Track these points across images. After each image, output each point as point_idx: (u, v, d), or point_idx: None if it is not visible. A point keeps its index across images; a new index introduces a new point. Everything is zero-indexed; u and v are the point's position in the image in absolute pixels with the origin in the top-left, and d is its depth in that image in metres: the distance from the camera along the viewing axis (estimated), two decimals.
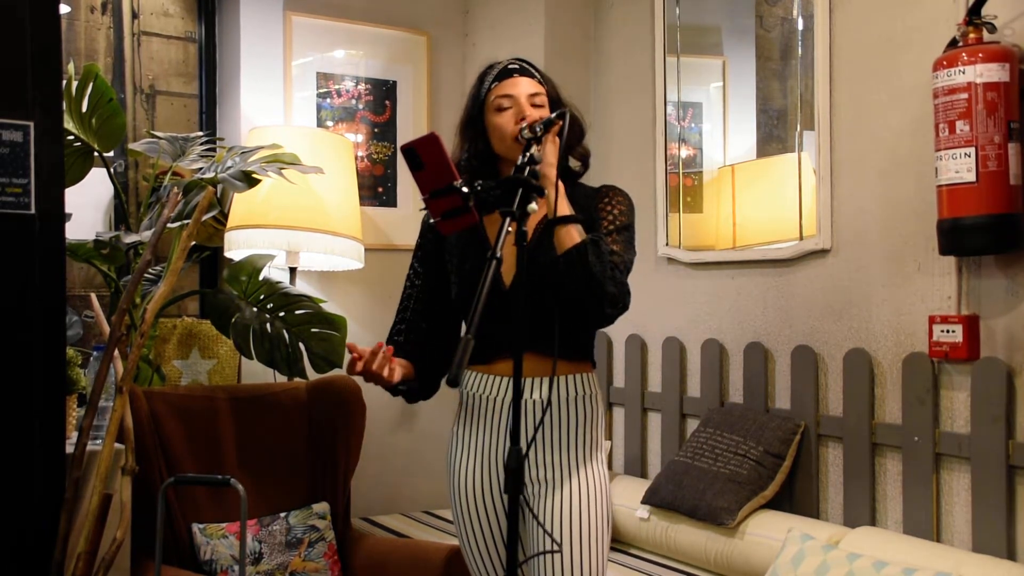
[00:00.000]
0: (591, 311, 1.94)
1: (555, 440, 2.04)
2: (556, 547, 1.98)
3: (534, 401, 2.03)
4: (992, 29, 2.43)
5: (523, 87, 2.06)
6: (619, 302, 1.95)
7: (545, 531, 2.02)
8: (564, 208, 1.95)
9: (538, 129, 1.96)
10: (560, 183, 1.95)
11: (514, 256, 1.83)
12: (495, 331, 1.91)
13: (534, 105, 2.05)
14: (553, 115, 1.98)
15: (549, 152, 1.95)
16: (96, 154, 3.05)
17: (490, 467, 2.07)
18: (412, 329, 2.17)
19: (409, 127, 4.04)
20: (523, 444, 2.02)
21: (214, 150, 3.15)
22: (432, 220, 1.86)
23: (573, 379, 2.06)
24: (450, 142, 2.01)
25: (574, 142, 2.10)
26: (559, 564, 1.98)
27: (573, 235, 1.92)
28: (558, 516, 2.00)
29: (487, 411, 2.08)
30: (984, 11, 2.43)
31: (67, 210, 2.43)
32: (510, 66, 2.09)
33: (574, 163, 2.12)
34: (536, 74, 2.10)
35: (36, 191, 2.32)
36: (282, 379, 3.36)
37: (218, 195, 3.46)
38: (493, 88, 2.07)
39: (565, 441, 2.04)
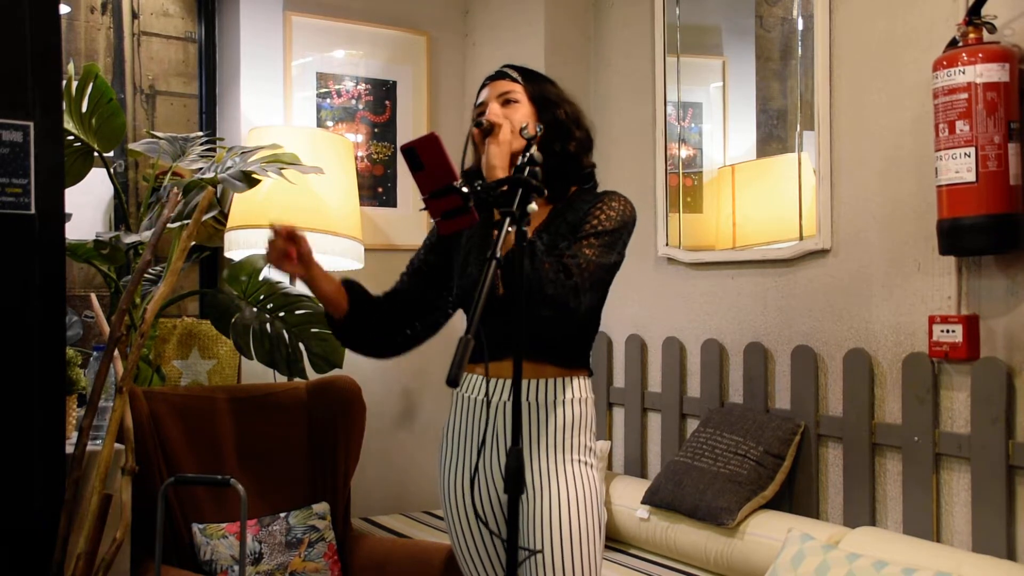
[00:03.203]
0: (529, 314, 1.84)
1: (540, 442, 2.01)
2: (530, 552, 1.97)
3: (506, 403, 2.01)
4: (992, 29, 2.43)
5: (493, 90, 2.08)
6: (559, 305, 1.86)
7: (499, 536, 2.01)
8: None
9: (538, 128, 1.97)
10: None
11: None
12: (487, 333, 1.89)
13: (506, 102, 2.06)
14: (539, 126, 1.99)
15: (490, 154, 1.98)
16: (96, 154, 3.05)
17: (466, 469, 2.07)
18: (390, 293, 2.26)
19: (409, 127, 4.04)
20: (492, 448, 2.02)
21: (214, 150, 3.15)
22: (432, 220, 1.86)
23: (560, 381, 2.02)
24: (453, 144, 2.01)
25: (555, 137, 2.07)
26: (545, 568, 1.96)
27: (509, 239, 1.83)
28: (544, 519, 1.97)
29: (476, 411, 2.07)
30: (984, 11, 2.43)
31: (67, 210, 2.43)
32: (488, 76, 2.14)
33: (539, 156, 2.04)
34: (512, 73, 2.10)
35: (36, 191, 2.32)
36: (282, 379, 3.36)
37: (218, 195, 3.46)
38: (476, 101, 2.13)
39: (551, 444, 2.01)
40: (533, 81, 2.11)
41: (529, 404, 2.01)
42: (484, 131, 2.02)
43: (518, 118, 2.03)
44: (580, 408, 2.04)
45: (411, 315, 2.24)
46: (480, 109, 2.09)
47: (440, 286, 2.22)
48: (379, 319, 2.21)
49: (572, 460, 2.02)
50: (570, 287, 1.87)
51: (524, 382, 1.99)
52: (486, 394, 2.03)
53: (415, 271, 2.24)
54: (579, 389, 2.04)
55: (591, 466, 2.05)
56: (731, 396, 3.25)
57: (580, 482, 2.01)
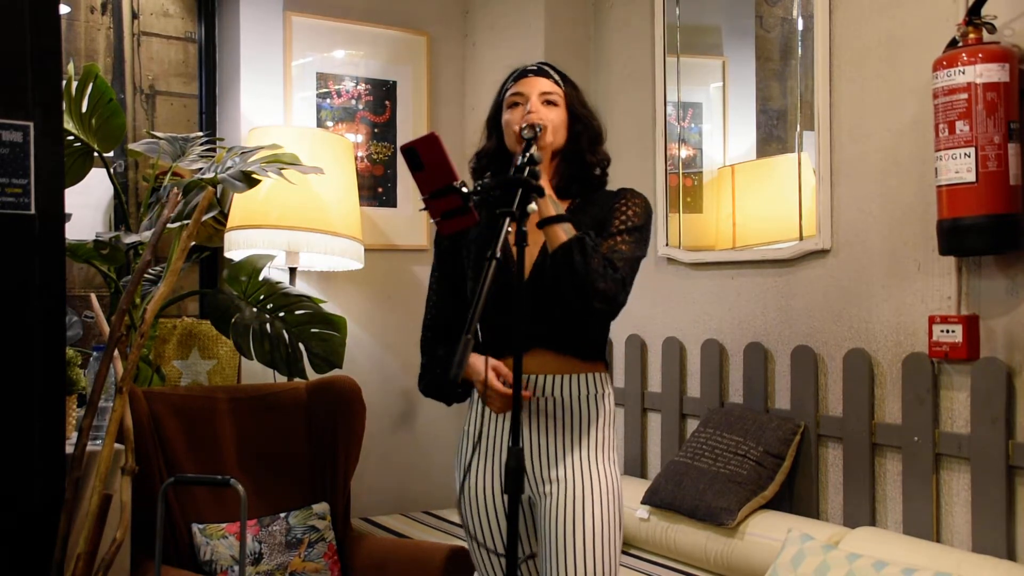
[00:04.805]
0: (581, 307, 1.95)
1: (567, 439, 2.05)
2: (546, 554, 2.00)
3: (545, 399, 2.04)
4: (992, 29, 2.43)
5: (536, 86, 2.11)
6: (611, 298, 1.95)
7: (535, 535, 2.03)
8: (550, 209, 1.97)
9: (537, 129, 1.98)
10: (548, 184, 1.99)
11: (535, 249, 1.98)
12: (504, 326, 1.91)
13: (547, 103, 2.10)
14: (537, 126, 2.01)
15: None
16: (96, 154, 3.05)
17: (498, 465, 2.08)
18: (441, 328, 2.19)
19: (409, 127, 4.04)
20: (524, 443, 2.04)
21: (214, 150, 3.15)
22: (432, 220, 1.86)
23: (586, 377, 2.08)
24: (453, 145, 2.03)
25: (586, 148, 2.14)
26: (569, 564, 1.98)
27: (559, 234, 1.94)
28: (568, 516, 2.01)
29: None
30: (984, 11, 2.43)
31: (67, 210, 2.43)
32: (529, 67, 2.17)
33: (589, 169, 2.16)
34: (555, 75, 2.15)
35: (36, 191, 2.32)
36: (282, 379, 3.36)
37: (218, 195, 3.47)
38: (509, 87, 2.15)
39: (577, 440, 2.06)
40: (571, 87, 2.17)
41: (557, 399, 2.05)
42: (527, 138, 1.98)
43: (557, 121, 2.09)
44: (606, 404, 2.11)
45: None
46: (518, 99, 2.11)
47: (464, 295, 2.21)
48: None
49: (598, 456, 2.07)
50: (619, 280, 1.97)
51: (550, 378, 2.05)
52: (515, 392, 2.00)
53: (453, 288, 2.19)
54: (603, 384, 2.11)
55: (613, 462, 2.11)
56: (731, 396, 3.25)
57: (605, 478, 2.06)
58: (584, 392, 2.07)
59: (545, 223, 1.95)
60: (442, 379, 2.14)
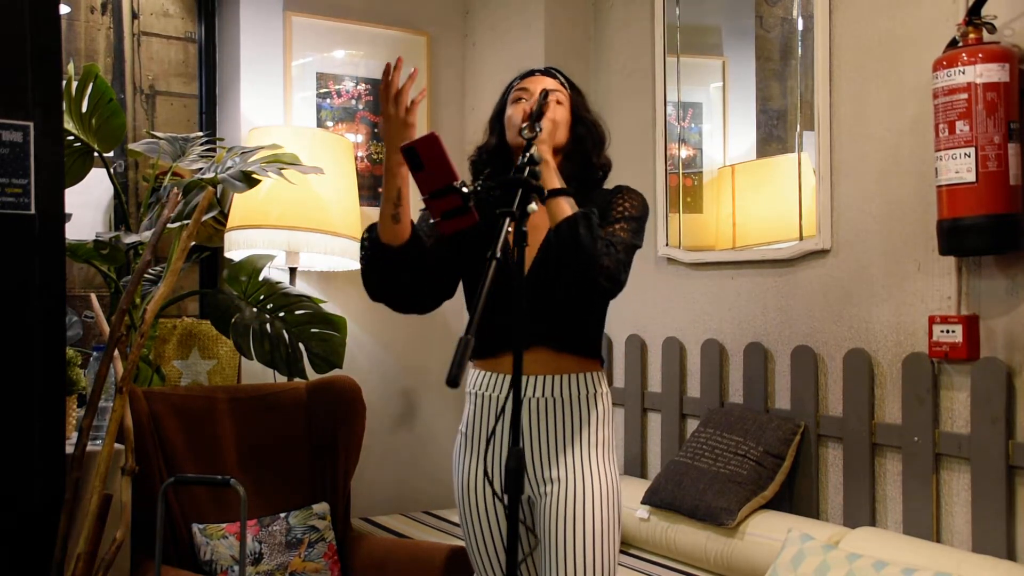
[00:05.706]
0: (585, 283, 1.91)
1: (564, 439, 2.05)
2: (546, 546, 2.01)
3: (538, 399, 2.04)
4: (992, 29, 2.43)
5: (542, 84, 2.14)
6: (614, 276, 1.93)
7: (530, 530, 2.04)
8: (555, 182, 1.97)
9: (537, 128, 1.98)
10: (551, 159, 2.01)
11: (534, 249, 1.98)
12: (502, 324, 1.91)
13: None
14: (539, 97, 2.04)
15: (544, 130, 2.01)
16: (96, 154, 3.05)
17: (495, 466, 2.08)
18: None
19: None
20: (523, 444, 2.05)
21: (214, 150, 3.15)
22: (431, 220, 1.86)
23: (582, 377, 2.08)
24: (453, 145, 2.03)
25: (590, 151, 2.16)
26: (567, 564, 1.98)
27: (564, 208, 1.94)
28: (566, 516, 2.01)
29: (493, 410, 2.09)
30: (984, 11, 2.43)
31: (67, 210, 2.43)
32: (536, 68, 2.22)
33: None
34: (560, 77, 2.19)
35: (36, 191, 2.32)
36: (282, 379, 3.36)
37: (218, 195, 3.47)
38: (515, 85, 2.18)
39: (574, 440, 2.06)
40: (576, 92, 2.20)
41: (554, 400, 2.05)
42: (538, 114, 2.00)
43: (560, 118, 2.11)
44: (604, 403, 2.11)
45: (439, 270, 2.14)
46: (522, 95, 2.14)
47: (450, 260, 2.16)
48: (427, 262, 2.08)
49: (595, 456, 2.07)
50: (621, 260, 1.96)
51: (547, 378, 2.05)
52: (514, 390, 2.00)
53: (436, 239, 2.13)
54: (600, 383, 2.12)
55: (612, 461, 2.11)
56: (731, 396, 3.25)
57: (603, 478, 2.06)
58: (582, 392, 2.07)
59: (551, 195, 1.95)
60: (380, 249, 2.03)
